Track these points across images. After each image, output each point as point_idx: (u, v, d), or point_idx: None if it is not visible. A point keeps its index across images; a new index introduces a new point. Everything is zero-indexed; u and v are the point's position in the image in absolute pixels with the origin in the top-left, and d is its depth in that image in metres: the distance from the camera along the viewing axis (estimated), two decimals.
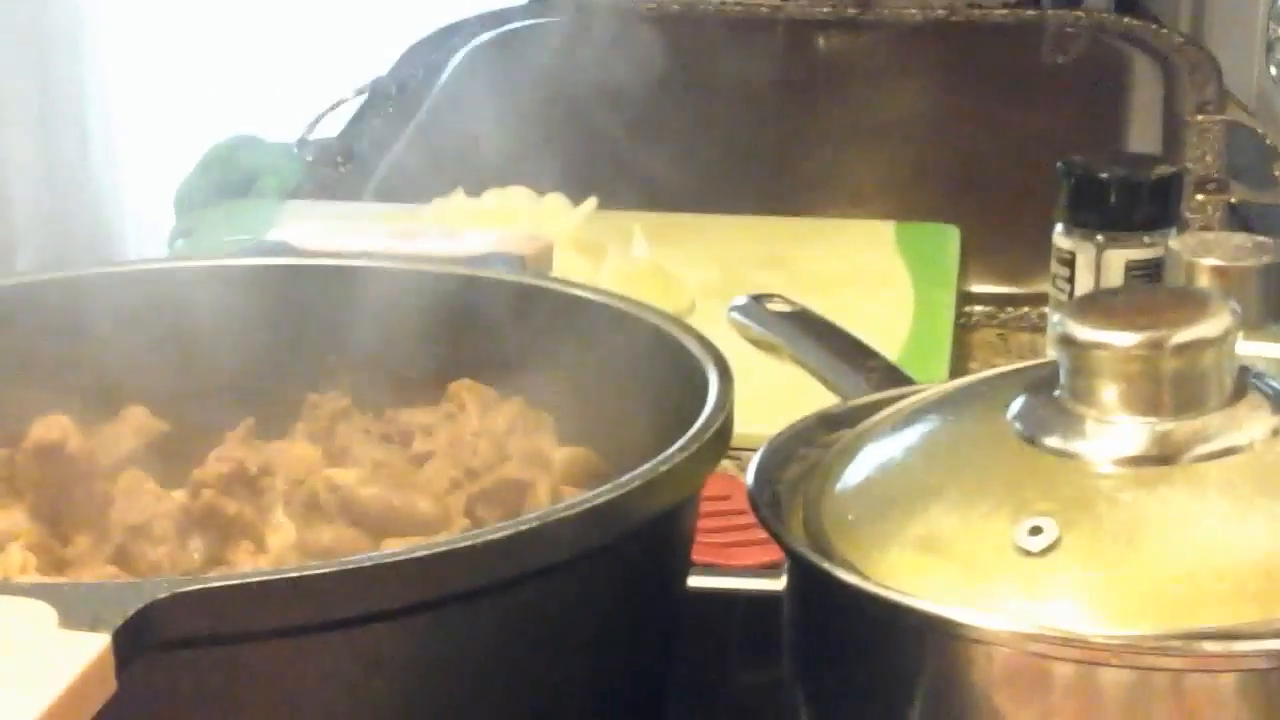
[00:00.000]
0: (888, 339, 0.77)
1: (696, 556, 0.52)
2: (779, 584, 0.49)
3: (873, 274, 0.88)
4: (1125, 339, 0.45)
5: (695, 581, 0.52)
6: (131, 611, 0.37)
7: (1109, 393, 0.45)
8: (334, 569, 0.40)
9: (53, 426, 0.51)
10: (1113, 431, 0.45)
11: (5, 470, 0.52)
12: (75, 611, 0.37)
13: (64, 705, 0.35)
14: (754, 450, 0.50)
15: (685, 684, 0.51)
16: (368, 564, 0.40)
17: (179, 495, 0.51)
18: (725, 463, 0.50)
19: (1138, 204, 0.73)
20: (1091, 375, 0.45)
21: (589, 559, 0.43)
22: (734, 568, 0.64)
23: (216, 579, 0.40)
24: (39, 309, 0.57)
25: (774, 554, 0.58)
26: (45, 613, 0.37)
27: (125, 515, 0.49)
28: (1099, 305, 0.48)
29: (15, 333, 0.56)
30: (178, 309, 0.58)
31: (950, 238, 0.92)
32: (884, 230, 0.93)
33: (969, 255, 0.91)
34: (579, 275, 0.75)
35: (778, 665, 0.48)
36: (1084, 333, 0.45)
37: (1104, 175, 0.73)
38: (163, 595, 0.38)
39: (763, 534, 0.47)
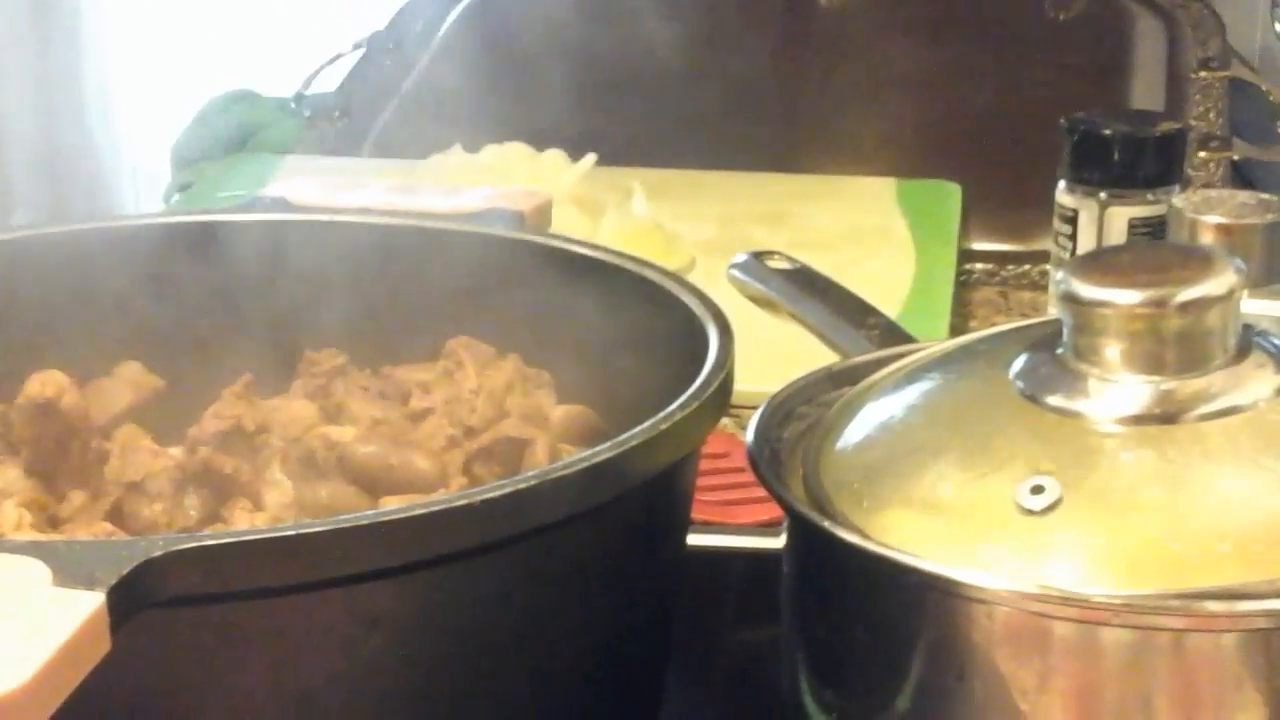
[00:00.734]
0: (888, 296, 0.77)
1: (695, 514, 0.52)
2: (777, 542, 0.48)
3: (874, 231, 0.88)
4: (1129, 297, 0.45)
5: (694, 540, 0.51)
6: (127, 569, 0.37)
7: (1112, 351, 0.45)
8: (331, 527, 0.40)
9: (48, 382, 0.51)
10: (1115, 390, 0.45)
11: (0, 426, 0.52)
12: (70, 569, 0.36)
13: (58, 663, 0.34)
14: (753, 408, 0.50)
15: (683, 642, 0.51)
16: (365, 522, 0.40)
17: (175, 452, 0.51)
18: (724, 420, 0.50)
19: (1141, 161, 0.73)
20: (1095, 333, 0.45)
21: (588, 517, 0.43)
22: (732, 526, 0.64)
23: (213, 536, 0.39)
24: (35, 264, 0.57)
25: (772, 512, 0.58)
26: (40, 570, 0.37)
27: (121, 472, 0.49)
28: (1102, 263, 0.48)
29: (10, 288, 0.56)
30: (174, 264, 0.58)
31: (951, 195, 0.91)
32: (885, 187, 0.93)
33: (970, 212, 0.91)
34: (578, 232, 0.75)
35: (775, 623, 0.48)
36: (1088, 290, 0.45)
37: (1107, 132, 0.73)
38: (158, 553, 0.38)
39: (761, 492, 0.47)
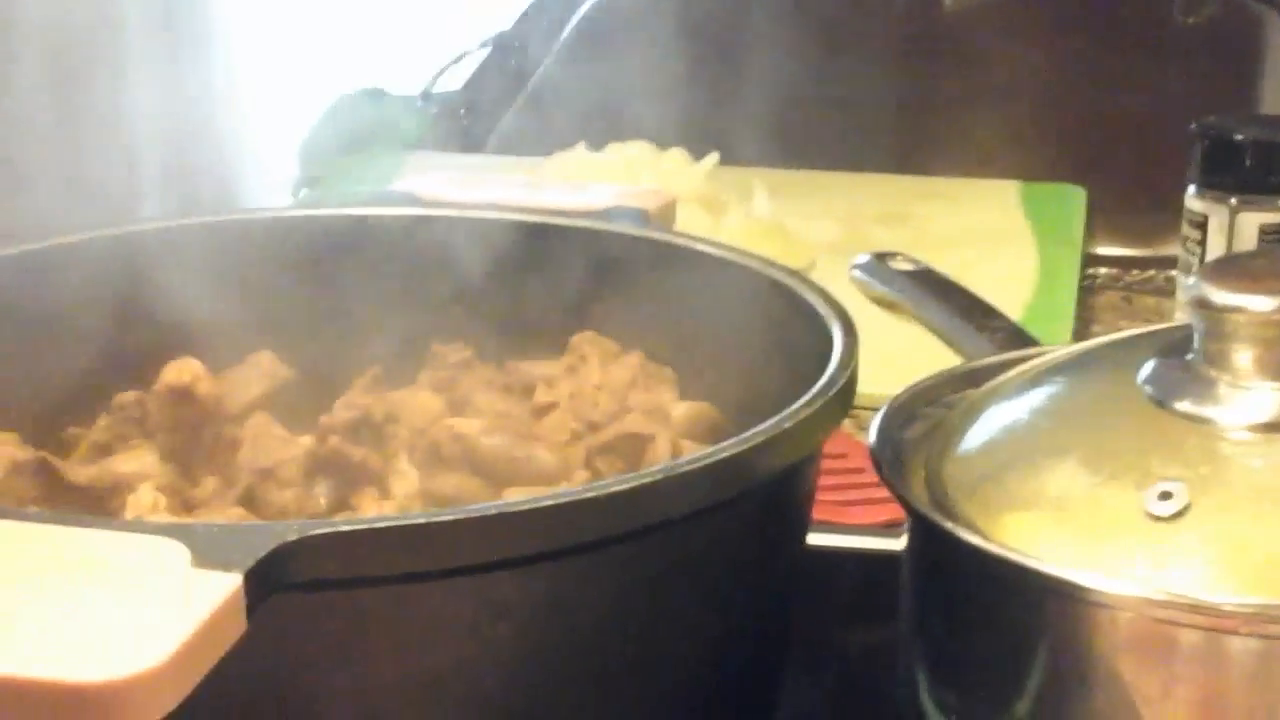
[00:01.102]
0: (1011, 300, 0.76)
1: (814, 514, 0.52)
2: (895, 543, 0.48)
3: (997, 234, 0.87)
4: (1262, 303, 0.44)
5: (812, 539, 0.51)
6: (263, 553, 0.37)
7: (1243, 357, 0.45)
8: (459, 516, 0.40)
9: (184, 370, 0.52)
10: (1246, 397, 0.44)
11: (137, 412, 0.53)
12: (209, 551, 0.37)
13: (198, 643, 0.35)
14: (874, 409, 0.50)
15: (799, 641, 0.51)
16: (491, 513, 0.41)
17: (306, 440, 0.52)
18: (845, 421, 0.50)
19: (1273, 166, 0.72)
20: (1226, 339, 0.45)
21: (709, 514, 0.43)
22: (851, 526, 0.64)
23: (346, 523, 0.40)
24: (171, 255, 0.58)
25: (890, 513, 0.58)
26: (180, 551, 0.37)
27: (253, 459, 0.50)
28: (1235, 269, 0.47)
29: (147, 278, 0.57)
30: (305, 257, 0.59)
31: (1076, 198, 0.90)
32: (1009, 190, 0.92)
33: (1094, 216, 0.90)
34: (701, 230, 0.75)
35: (890, 626, 0.48)
36: (1220, 296, 0.45)
37: (1239, 137, 0.72)
38: (293, 538, 0.38)
39: (879, 493, 0.47)
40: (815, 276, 0.64)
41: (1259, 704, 0.40)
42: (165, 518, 0.48)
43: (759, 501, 0.45)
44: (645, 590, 0.43)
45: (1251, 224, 0.72)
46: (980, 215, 0.89)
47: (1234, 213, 0.72)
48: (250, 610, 0.37)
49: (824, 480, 0.58)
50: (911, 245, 0.72)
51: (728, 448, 0.43)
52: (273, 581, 0.38)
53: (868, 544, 0.61)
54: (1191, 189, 0.73)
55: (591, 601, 0.42)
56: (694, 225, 0.79)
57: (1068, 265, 0.84)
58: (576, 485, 0.49)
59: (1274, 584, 0.41)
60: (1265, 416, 0.44)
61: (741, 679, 0.48)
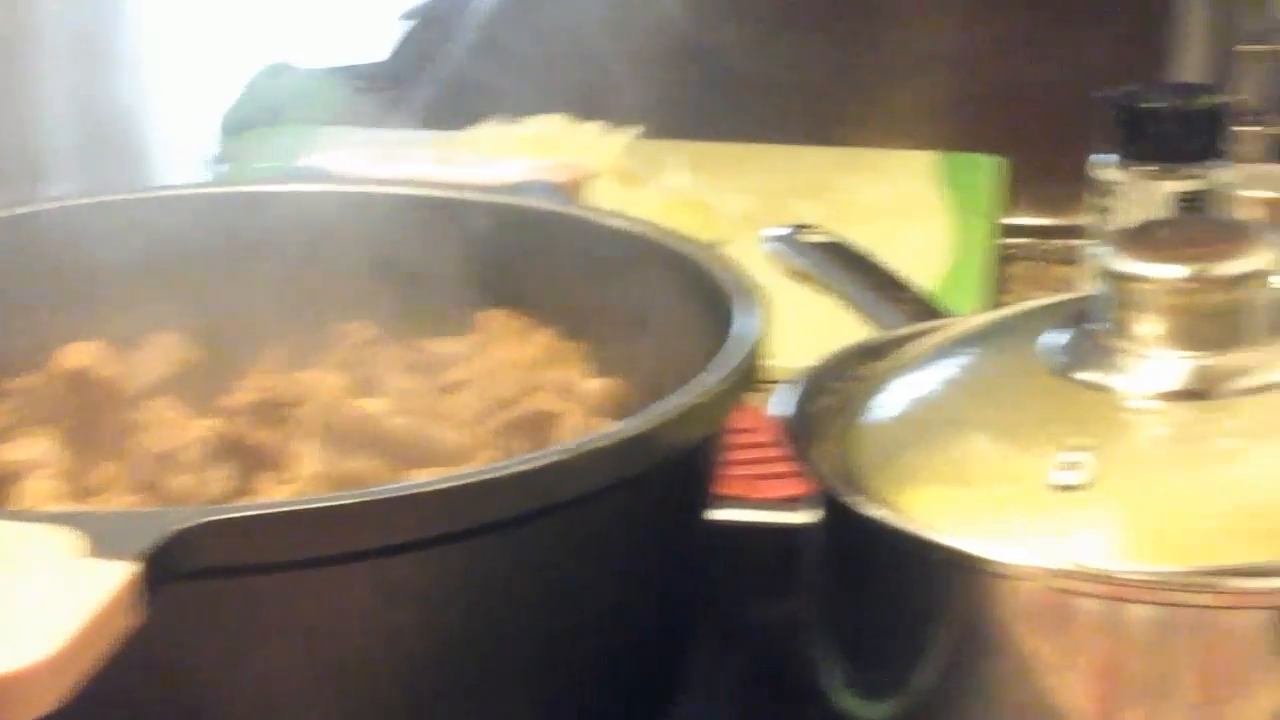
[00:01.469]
0: (926, 270, 0.76)
1: (721, 489, 0.52)
2: (803, 517, 0.48)
3: (913, 205, 0.87)
4: (1169, 271, 0.44)
5: (721, 514, 0.51)
6: (160, 540, 0.37)
7: (1150, 326, 0.45)
8: (362, 499, 0.40)
9: (82, 353, 0.51)
10: (1152, 365, 0.44)
11: (34, 397, 0.52)
12: (103, 539, 0.37)
13: (90, 633, 0.35)
14: (786, 382, 0.50)
15: (707, 617, 0.51)
16: (395, 494, 0.40)
17: (207, 423, 0.51)
18: (753, 395, 0.50)
19: (1185, 135, 0.72)
20: (1133, 308, 0.45)
21: (616, 491, 0.43)
22: (758, 500, 0.63)
23: (244, 508, 0.40)
24: (72, 235, 0.57)
25: (798, 487, 0.58)
26: (73, 540, 0.37)
27: (153, 443, 0.49)
28: (1143, 237, 0.47)
29: (47, 258, 0.56)
30: (209, 235, 0.58)
31: (991, 168, 0.91)
32: (925, 161, 0.92)
33: (1011, 186, 0.90)
34: (617, 204, 0.75)
35: (799, 599, 0.48)
36: (1127, 265, 0.45)
37: (1151, 105, 0.72)
38: (191, 523, 0.38)
39: (787, 467, 0.47)
40: (732, 250, 0.64)
41: (1159, 672, 0.40)
42: (61, 505, 0.47)
43: (665, 478, 0.45)
44: (551, 569, 0.43)
45: (1163, 192, 0.72)
46: (897, 186, 0.89)
47: (1146, 181, 0.72)
48: (147, 599, 0.36)
49: (733, 455, 0.58)
50: (828, 217, 0.72)
51: (633, 425, 0.43)
52: (170, 569, 0.37)
53: (777, 518, 0.61)
54: (1103, 158, 0.73)
55: (496, 582, 0.42)
56: (611, 199, 0.78)
57: (982, 235, 0.84)
58: (484, 465, 0.49)
59: (1178, 552, 0.41)
60: (1170, 385, 0.44)
61: (649, 656, 0.48)
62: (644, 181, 0.86)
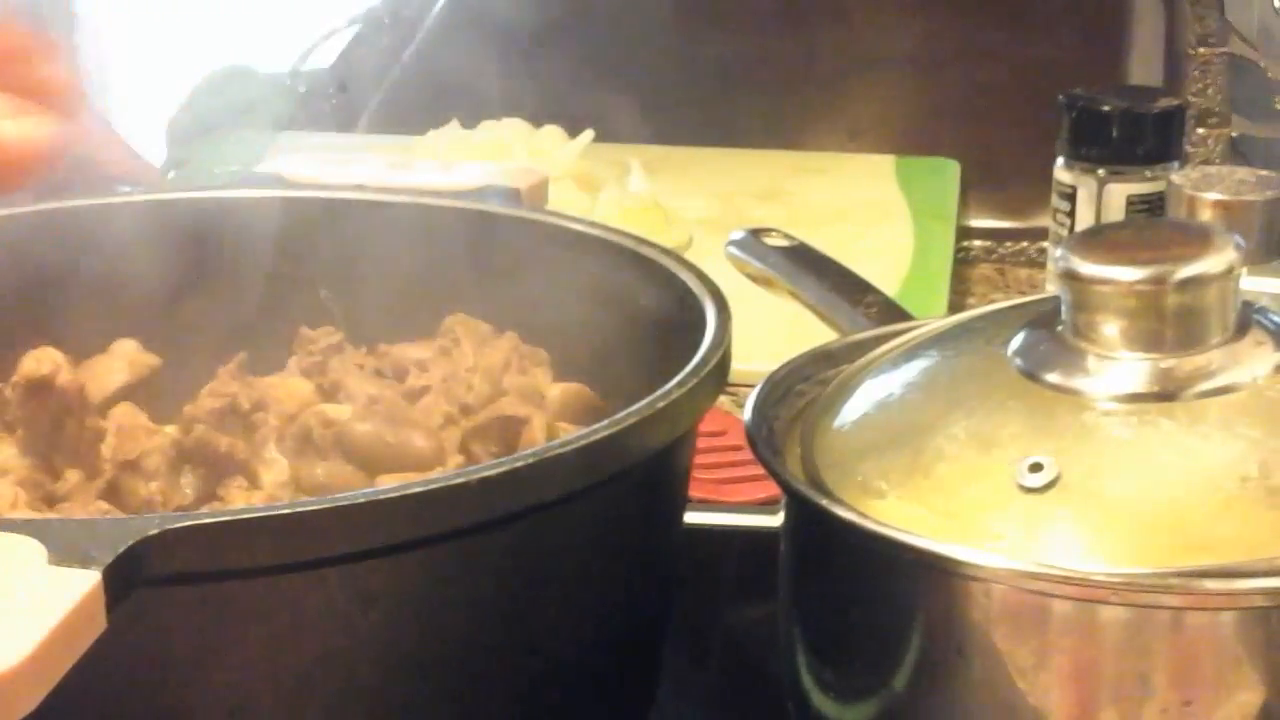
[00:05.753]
0: (887, 273, 0.77)
1: (692, 492, 0.52)
2: (775, 520, 0.48)
3: (872, 208, 0.88)
4: (1128, 274, 0.45)
5: (691, 518, 0.51)
6: (122, 548, 0.37)
7: (1111, 328, 0.45)
8: (328, 505, 0.40)
9: (43, 360, 0.51)
10: (1114, 368, 0.45)
11: None
12: (65, 548, 0.36)
13: (53, 643, 0.34)
14: (751, 386, 0.50)
15: (680, 620, 0.51)
16: (362, 501, 0.40)
17: (171, 430, 0.51)
18: (721, 398, 0.50)
19: (1140, 137, 0.72)
20: (1093, 311, 0.45)
21: (584, 496, 0.43)
22: (729, 504, 0.64)
23: (208, 515, 0.39)
24: (29, 242, 0.57)
25: (769, 490, 0.58)
26: (35, 549, 0.36)
27: (116, 451, 0.49)
28: (1101, 240, 0.47)
29: (3, 266, 0.55)
30: (169, 242, 0.58)
31: (950, 172, 0.91)
32: (884, 164, 0.93)
33: (968, 189, 0.91)
34: (575, 208, 0.74)
35: (772, 601, 0.48)
36: (1086, 268, 0.45)
37: (1106, 108, 0.73)
38: (154, 531, 0.38)
39: (758, 470, 0.47)
40: (692, 253, 0.64)
41: (1130, 672, 0.41)
42: (24, 513, 0.47)
43: (634, 482, 0.45)
44: (520, 574, 0.43)
45: (1119, 195, 0.73)
46: (856, 190, 0.90)
47: (1102, 184, 0.73)
48: (110, 607, 0.36)
49: (703, 458, 0.58)
50: (788, 221, 0.72)
51: (600, 430, 0.43)
52: (134, 577, 0.37)
53: (747, 521, 0.61)
54: (1060, 160, 0.74)
55: (465, 588, 0.42)
56: (569, 203, 0.78)
57: (942, 238, 0.84)
58: (451, 470, 0.49)
59: (1144, 553, 0.41)
60: (1132, 386, 0.44)
61: (622, 658, 0.48)
62: (602, 185, 0.86)
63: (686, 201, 0.87)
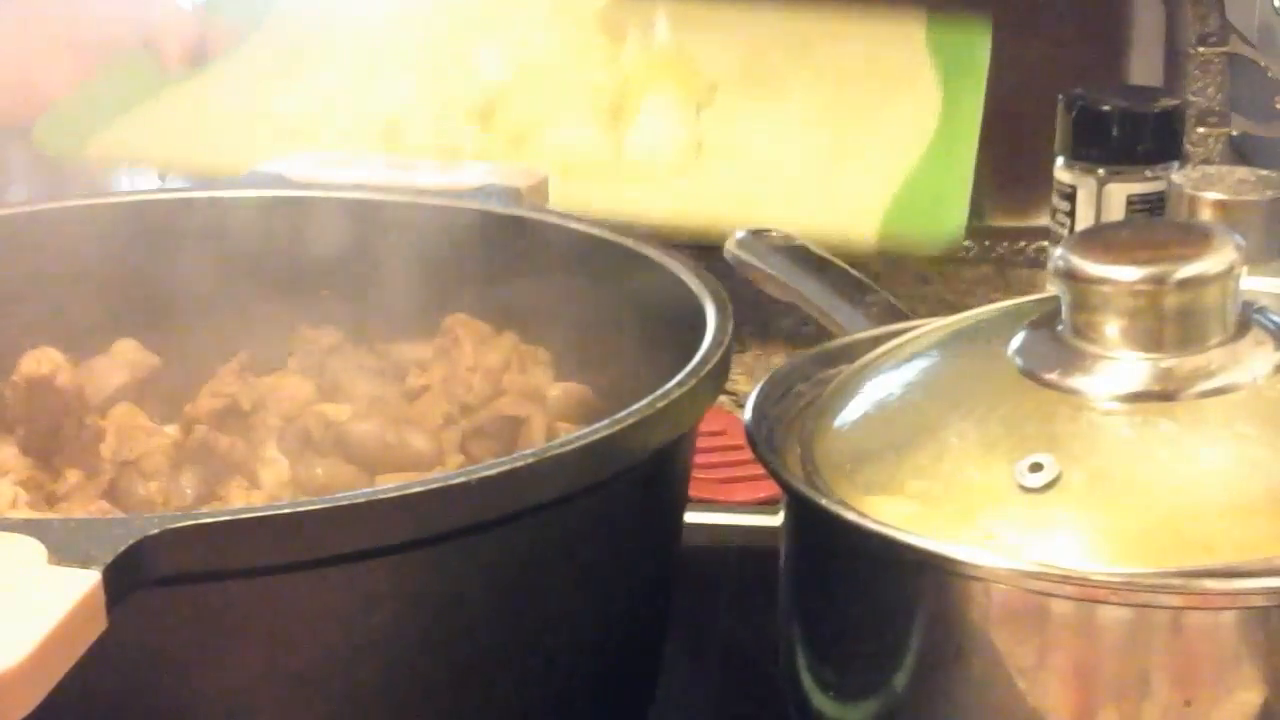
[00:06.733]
0: (913, 134, 0.74)
1: (692, 492, 0.52)
2: (775, 520, 0.48)
3: (900, 68, 0.85)
4: (1128, 274, 0.44)
5: (691, 517, 0.51)
6: (123, 547, 0.37)
7: (1111, 328, 0.45)
8: (328, 505, 0.40)
9: (42, 360, 0.51)
10: (1114, 367, 0.45)
11: None
12: (66, 548, 0.36)
13: (54, 642, 0.34)
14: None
15: (680, 620, 0.51)
16: (362, 500, 0.40)
17: (171, 430, 0.51)
18: (721, 398, 0.50)
19: (1140, 137, 0.72)
20: (1093, 310, 0.45)
21: (585, 495, 0.43)
22: (729, 504, 0.64)
23: (209, 514, 0.39)
24: (30, 241, 0.57)
25: (769, 490, 0.58)
26: (35, 549, 0.36)
27: (117, 450, 0.49)
28: (1101, 239, 0.47)
29: (3, 266, 0.55)
30: (169, 241, 0.58)
31: (982, 35, 0.88)
32: (914, 24, 0.90)
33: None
34: (598, 57, 0.72)
35: (772, 601, 0.48)
36: (1086, 267, 0.45)
37: (1106, 108, 0.73)
38: (154, 531, 0.38)
39: (758, 469, 0.47)
40: (714, 109, 0.59)
41: (1131, 672, 0.41)
42: (25, 513, 0.47)
43: (634, 481, 0.45)
44: (520, 575, 0.43)
45: (1119, 194, 0.73)
46: (884, 49, 0.87)
47: (1102, 183, 0.73)
48: (110, 607, 0.36)
49: (704, 458, 0.58)
50: (814, 79, 0.69)
51: (601, 429, 0.43)
52: (134, 577, 0.37)
53: (748, 521, 0.61)
54: (1060, 160, 0.74)
55: (466, 588, 0.42)
56: (593, 53, 0.75)
57: (971, 106, 0.81)
58: (451, 470, 0.49)
59: (1144, 553, 0.41)
60: (1132, 386, 0.44)
61: (622, 658, 0.48)
62: (626, 34, 0.83)
63: (712, 55, 0.85)
